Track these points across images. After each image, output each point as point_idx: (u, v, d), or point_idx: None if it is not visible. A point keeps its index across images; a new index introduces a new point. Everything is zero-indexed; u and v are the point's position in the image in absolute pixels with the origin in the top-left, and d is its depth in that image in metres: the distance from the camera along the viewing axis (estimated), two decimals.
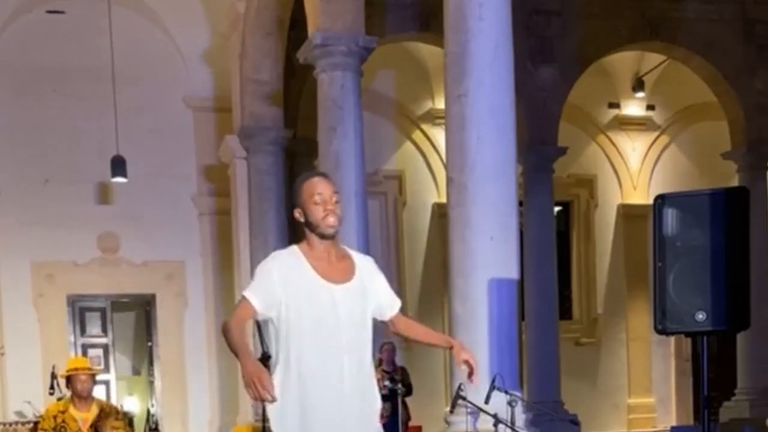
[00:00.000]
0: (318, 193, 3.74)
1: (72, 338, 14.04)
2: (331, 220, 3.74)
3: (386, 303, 3.96)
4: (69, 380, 6.69)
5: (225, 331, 3.75)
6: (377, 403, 3.94)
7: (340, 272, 3.82)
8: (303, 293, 3.74)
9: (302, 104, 12.30)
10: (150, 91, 13.85)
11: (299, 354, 3.74)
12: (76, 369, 6.68)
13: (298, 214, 3.80)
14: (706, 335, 4.45)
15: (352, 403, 3.77)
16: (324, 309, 3.74)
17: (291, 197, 3.87)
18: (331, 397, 3.73)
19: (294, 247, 3.86)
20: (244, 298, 3.77)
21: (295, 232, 13.60)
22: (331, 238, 3.79)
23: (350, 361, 3.77)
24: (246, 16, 12.11)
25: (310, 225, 3.78)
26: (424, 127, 14.71)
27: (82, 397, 6.64)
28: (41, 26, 13.53)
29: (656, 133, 15.84)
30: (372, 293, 3.89)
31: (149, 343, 14.60)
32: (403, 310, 4.07)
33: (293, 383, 3.74)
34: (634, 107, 15.65)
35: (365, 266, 3.92)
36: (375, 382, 3.95)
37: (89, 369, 6.81)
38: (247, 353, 3.67)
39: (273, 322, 3.78)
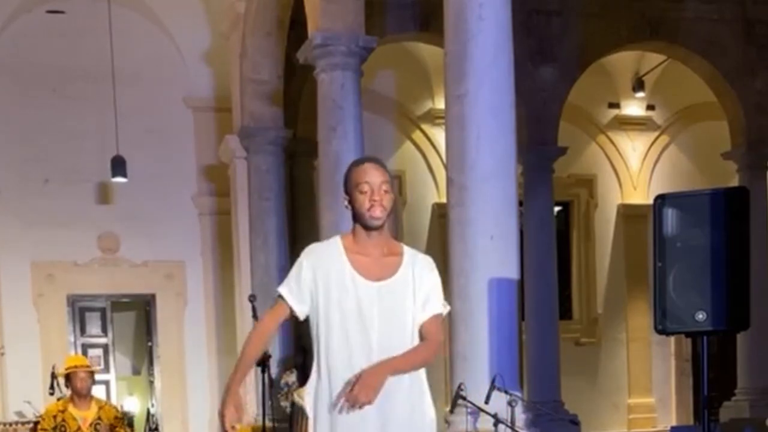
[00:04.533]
0: (366, 181, 3.53)
1: (72, 338, 14.03)
2: (377, 212, 3.53)
3: (418, 306, 3.62)
4: (68, 378, 6.71)
5: (250, 333, 3.71)
6: (426, 415, 3.71)
7: (381, 269, 3.61)
8: (334, 287, 3.58)
9: (302, 104, 12.29)
10: (150, 91, 13.83)
11: (327, 348, 3.61)
12: (75, 366, 6.71)
13: (345, 201, 3.61)
14: (706, 335, 4.44)
15: (383, 410, 3.57)
16: (353, 305, 3.57)
17: (344, 183, 3.65)
18: None
19: (337, 238, 3.69)
20: (279, 295, 3.67)
21: (295, 233, 13.51)
22: (375, 229, 3.58)
23: None
24: (246, 16, 12.10)
25: (355, 214, 3.59)
26: (424, 127, 14.70)
27: (82, 395, 6.66)
28: (41, 26, 13.51)
29: (656, 133, 15.84)
30: (411, 294, 3.62)
31: (149, 343, 14.59)
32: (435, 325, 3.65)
33: (323, 376, 3.64)
34: (634, 107, 15.64)
35: (417, 265, 3.65)
36: (424, 390, 3.71)
37: (88, 366, 6.83)
38: (237, 380, 3.59)
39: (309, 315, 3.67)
